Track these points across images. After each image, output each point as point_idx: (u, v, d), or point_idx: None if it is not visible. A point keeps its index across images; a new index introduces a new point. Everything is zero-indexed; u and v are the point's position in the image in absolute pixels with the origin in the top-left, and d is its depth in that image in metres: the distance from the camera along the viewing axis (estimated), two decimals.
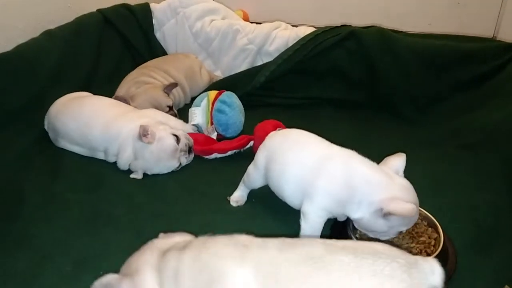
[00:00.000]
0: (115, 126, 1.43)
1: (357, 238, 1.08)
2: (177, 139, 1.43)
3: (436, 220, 1.11)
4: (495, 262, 1.06)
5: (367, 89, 1.91)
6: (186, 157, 1.47)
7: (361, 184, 0.99)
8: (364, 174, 1.00)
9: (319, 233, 1.08)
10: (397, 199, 0.95)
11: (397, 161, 1.04)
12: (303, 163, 1.08)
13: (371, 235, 1.05)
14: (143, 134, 1.36)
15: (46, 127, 1.57)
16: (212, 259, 0.72)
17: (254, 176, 1.23)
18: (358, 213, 1.00)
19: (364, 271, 0.66)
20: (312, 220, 1.06)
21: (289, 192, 1.11)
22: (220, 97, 1.62)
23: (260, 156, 1.20)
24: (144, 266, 0.77)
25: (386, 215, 0.95)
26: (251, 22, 2.20)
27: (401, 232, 1.03)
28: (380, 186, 0.98)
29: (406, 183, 1.00)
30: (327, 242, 0.72)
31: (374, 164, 1.03)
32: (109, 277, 0.78)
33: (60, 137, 1.52)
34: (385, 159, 1.06)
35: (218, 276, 0.70)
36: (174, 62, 1.97)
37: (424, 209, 1.13)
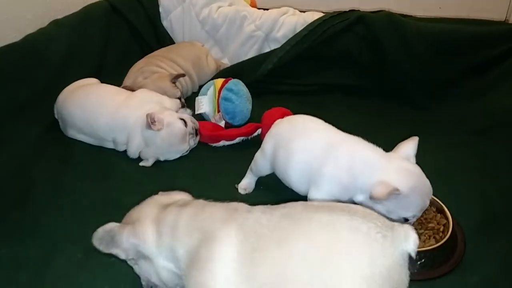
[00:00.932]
0: (120, 116, 1.44)
1: None
2: (185, 122, 1.44)
3: (445, 206, 1.11)
4: (504, 247, 1.05)
5: (376, 75, 1.89)
6: (193, 139, 1.48)
7: (362, 169, 0.99)
8: (365, 159, 0.99)
9: None
10: (384, 182, 0.93)
11: (408, 146, 1.02)
12: (310, 149, 1.08)
13: None
14: (151, 122, 1.36)
15: (56, 116, 1.58)
16: (207, 220, 0.78)
17: (261, 163, 1.23)
18: (360, 197, 1.00)
19: (340, 226, 0.68)
20: None
21: (295, 178, 1.11)
22: (227, 85, 1.62)
23: (267, 142, 1.20)
24: (145, 217, 0.84)
25: (371, 198, 0.95)
26: (259, 8, 2.18)
27: (406, 220, 1.00)
28: (377, 170, 0.97)
29: (408, 166, 0.98)
30: (306, 203, 0.76)
31: (379, 149, 1.02)
32: (112, 225, 0.84)
33: (68, 126, 1.53)
34: (398, 145, 1.04)
35: (208, 238, 0.75)
36: (181, 50, 1.96)
37: (433, 195, 1.12)
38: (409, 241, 0.69)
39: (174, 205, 0.84)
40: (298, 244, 0.68)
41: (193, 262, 0.75)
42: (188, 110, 1.67)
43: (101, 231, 0.84)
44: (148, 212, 0.85)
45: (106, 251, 0.83)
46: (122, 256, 0.84)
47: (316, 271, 0.66)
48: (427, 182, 0.98)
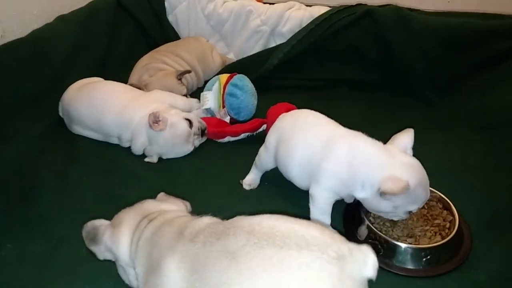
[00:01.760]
0: (127, 113, 1.44)
1: (370, 221, 1.08)
2: (190, 123, 1.43)
3: (452, 202, 1.10)
4: (510, 244, 1.04)
5: (383, 69, 1.87)
6: (199, 140, 1.47)
7: (363, 164, 0.98)
8: (366, 155, 0.99)
9: (329, 215, 1.08)
10: (394, 177, 0.93)
11: (405, 138, 1.02)
12: (310, 144, 1.08)
13: (383, 215, 1.04)
14: (154, 121, 1.36)
15: (60, 113, 1.58)
16: (157, 245, 0.78)
17: (265, 158, 1.23)
18: (362, 193, 1.00)
19: (287, 264, 0.63)
20: (320, 202, 1.06)
21: (296, 173, 1.12)
22: (232, 81, 1.61)
23: (271, 137, 1.21)
24: (126, 223, 0.85)
25: (382, 194, 0.94)
26: (264, 3, 2.17)
27: (410, 212, 1.01)
28: (381, 165, 0.97)
29: (410, 160, 0.98)
30: (253, 232, 0.68)
31: (379, 143, 1.02)
32: (100, 222, 0.88)
33: (74, 123, 1.53)
34: (393, 136, 1.04)
35: (155, 267, 0.75)
36: (186, 46, 1.95)
37: (440, 191, 1.12)
38: (368, 265, 0.65)
39: (147, 218, 0.84)
40: None
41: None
42: (199, 104, 1.66)
43: (90, 225, 0.87)
44: (130, 218, 0.86)
45: (87, 246, 0.86)
46: (99, 256, 0.86)
47: None
48: (426, 174, 0.99)
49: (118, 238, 0.83)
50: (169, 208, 0.89)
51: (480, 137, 1.47)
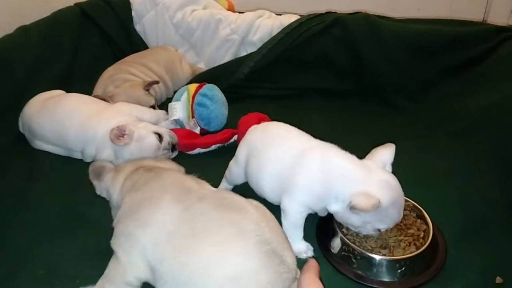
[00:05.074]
0: (91, 127, 1.38)
1: (343, 233, 1.05)
2: (160, 137, 1.38)
3: (425, 211, 1.08)
4: (485, 253, 1.03)
5: (354, 77, 1.88)
6: (169, 155, 1.42)
7: (337, 178, 0.96)
8: (340, 168, 0.96)
9: (301, 229, 1.05)
10: (366, 194, 0.91)
11: (385, 153, 1.00)
12: (282, 158, 1.04)
13: (352, 229, 1.02)
14: (120, 135, 1.31)
15: (21, 128, 1.52)
16: (153, 185, 0.93)
17: (235, 172, 1.20)
18: (334, 207, 0.98)
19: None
20: (292, 216, 1.03)
21: (268, 189, 1.08)
22: (201, 90, 1.57)
23: (241, 151, 1.17)
24: (124, 172, 0.99)
25: (352, 208, 0.92)
26: (234, 11, 2.15)
27: (379, 230, 0.99)
28: (355, 181, 0.94)
29: (387, 177, 0.96)
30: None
31: (353, 157, 1.00)
32: (107, 163, 1.03)
33: (36, 138, 1.47)
34: (373, 150, 1.03)
35: (152, 200, 0.89)
36: (153, 55, 1.91)
37: (413, 200, 1.11)
38: None
39: (143, 168, 0.97)
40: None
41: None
42: (166, 116, 1.61)
43: (98, 163, 1.03)
44: (129, 167, 1.00)
45: (91, 179, 1.02)
46: (97, 191, 1.02)
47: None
48: (402, 194, 0.97)
49: (115, 181, 0.97)
50: (164, 166, 1.03)
51: (451, 143, 1.47)
